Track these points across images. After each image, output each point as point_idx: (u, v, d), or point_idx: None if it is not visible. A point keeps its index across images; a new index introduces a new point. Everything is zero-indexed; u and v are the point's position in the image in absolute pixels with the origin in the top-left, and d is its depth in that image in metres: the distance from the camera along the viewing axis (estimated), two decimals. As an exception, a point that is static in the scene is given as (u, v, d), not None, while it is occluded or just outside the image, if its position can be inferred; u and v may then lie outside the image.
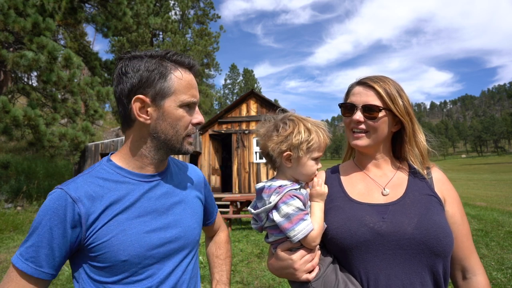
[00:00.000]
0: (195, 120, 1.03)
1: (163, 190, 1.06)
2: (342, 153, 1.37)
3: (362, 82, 1.15)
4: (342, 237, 1.02)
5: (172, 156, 1.17)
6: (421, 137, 1.16)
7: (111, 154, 1.07)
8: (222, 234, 1.41)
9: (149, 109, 0.97)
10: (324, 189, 1.09)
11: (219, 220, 1.42)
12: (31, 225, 0.90)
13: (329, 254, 1.08)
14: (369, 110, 1.10)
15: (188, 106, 1.01)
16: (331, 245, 1.07)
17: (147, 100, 0.96)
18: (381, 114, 1.10)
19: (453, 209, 1.10)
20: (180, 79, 0.98)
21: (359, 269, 1.00)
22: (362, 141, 1.13)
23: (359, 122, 1.12)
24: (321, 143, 1.06)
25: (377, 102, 1.10)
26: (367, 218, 1.03)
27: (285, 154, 1.05)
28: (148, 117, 0.98)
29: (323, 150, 1.08)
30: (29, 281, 0.87)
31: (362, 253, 1.00)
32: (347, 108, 1.15)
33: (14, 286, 0.86)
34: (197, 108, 1.05)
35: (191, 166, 1.29)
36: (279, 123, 1.08)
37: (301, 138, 1.03)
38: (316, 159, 1.08)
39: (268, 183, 1.07)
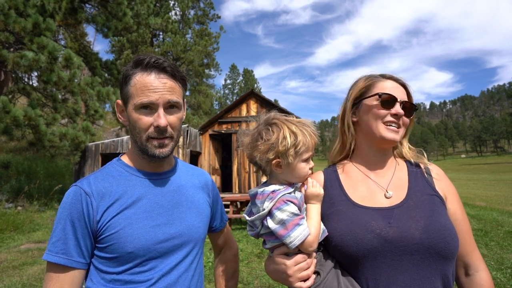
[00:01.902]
0: (155, 123, 1.00)
1: (170, 188, 1.10)
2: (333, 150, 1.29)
3: (394, 78, 1.16)
4: (348, 244, 0.98)
5: (180, 159, 1.23)
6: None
7: (121, 155, 1.15)
8: (229, 252, 1.38)
9: (124, 112, 1.08)
10: (320, 190, 1.06)
11: (228, 234, 1.40)
12: (54, 223, 0.97)
13: (331, 258, 1.04)
14: (407, 108, 1.11)
15: (148, 108, 0.99)
16: (335, 252, 1.03)
17: (121, 104, 1.08)
18: (413, 112, 1.14)
19: (454, 206, 1.08)
20: (136, 82, 1.00)
21: (366, 276, 0.97)
22: (397, 136, 1.11)
23: (400, 117, 1.10)
24: (309, 143, 1.02)
25: (410, 100, 1.14)
26: (373, 223, 0.99)
27: (273, 162, 1.02)
28: (125, 119, 1.09)
29: (312, 149, 1.05)
30: (66, 272, 0.94)
31: (369, 260, 0.96)
32: (387, 100, 1.11)
33: (55, 282, 0.93)
34: (160, 111, 1.00)
35: (200, 170, 1.32)
36: (262, 129, 1.04)
37: (288, 143, 0.98)
38: (306, 160, 1.04)
39: (261, 189, 1.03)
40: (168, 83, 1.02)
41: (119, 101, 1.08)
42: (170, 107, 1.03)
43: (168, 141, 1.04)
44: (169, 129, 1.02)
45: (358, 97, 1.18)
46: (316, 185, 1.07)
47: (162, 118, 0.99)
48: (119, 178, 1.04)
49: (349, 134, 1.21)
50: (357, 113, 1.18)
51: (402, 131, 1.13)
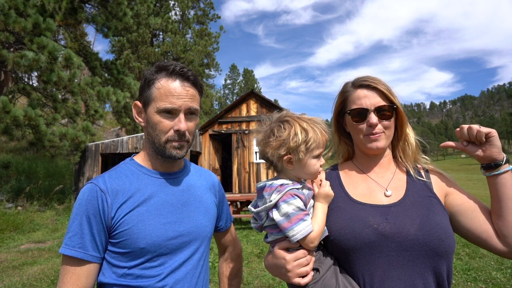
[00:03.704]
0: (175, 127, 1.06)
1: (180, 188, 1.15)
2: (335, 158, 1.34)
3: (364, 85, 1.14)
4: (346, 238, 1.00)
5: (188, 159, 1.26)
6: (411, 132, 1.18)
7: (134, 155, 1.20)
8: (233, 252, 1.44)
9: (142, 114, 1.12)
10: (330, 191, 1.08)
11: (232, 234, 1.45)
12: (70, 218, 1.01)
13: (330, 256, 1.06)
14: (383, 111, 1.10)
15: (170, 113, 1.06)
16: (333, 247, 1.05)
17: (140, 105, 1.12)
18: (392, 112, 1.12)
19: (461, 194, 1.09)
20: (159, 87, 1.06)
21: (362, 271, 0.98)
22: (382, 142, 1.11)
23: (376, 125, 1.10)
24: (319, 140, 1.04)
25: (385, 102, 1.11)
26: (371, 219, 1.01)
27: (285, 158, 1.04)
28: (142, 121, 1.13)
29: (323, 146, 1.07)
30: (82, 265, 0.98)
31: (365, 254, 0.98)
32: (359, 113, 1.12)
33: (71, 274, 0.97)
34: (181, 116, 1.06)
35: (208, 171, 1.37)
36: (274, 126, 1.07)
37: (299, 140, 1.01)
38: (317, 157, 1.06)
39: (270, 182, 1.06)
40: (190, 91, 1.09)
41: (138, 103, 1.13)
42: (190, 113, 1.10)
43: (185, 144, 1.11)
44: (186, 133, 1.09)
45: (339, 113, 1.23)
46: (327, 185, 1.09)
47: (183, 123, 1.06)
48: (132, 177, 1.09)
49: (343, 144, 1.28)
50: (346, 124, 1.22)
51: (386, 134, 1.13)
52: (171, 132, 1.06)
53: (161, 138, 1.07)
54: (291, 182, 1.05)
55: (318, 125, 1.06)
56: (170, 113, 1.06)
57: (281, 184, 1.03)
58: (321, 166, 1.09)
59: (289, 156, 1.04)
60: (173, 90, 1.05)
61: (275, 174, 1.16)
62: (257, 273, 4.80)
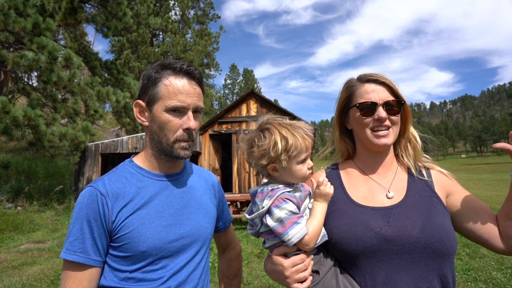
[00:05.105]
0: (184, 126, 1.05)
1: (180, 189, 1.14)
2: (334, 156, 1.31)
3: (371, 80, 1.12)
4: (348, 242, 0.99)
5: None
6: (414, 131, 1.17)
7: (133, 156, 1.16)
8: (233, 252, 1.43)
9: (146, 113, 1.09)
10: (329, 189, 1.06)
11: (232, 234, 1.45)
12: (70, 222, 0.99)
13: (330, 256, 1.05)
14: (390, 106, 1.09)
15: (178, 111, 1.04)
16: (334, 250, 1.04)
17: (143, 104, 1.09)
18: (399, 108, 1.10)
19: (463, 194, 1.08)
20: (167, 85, 1.04)
21: (364, 275, 0.97)
22: (389, 139, 1.09)
23: (385, 119, 1.08)
24: (301, 146, 1.02)
25: (393, 97, 1.10)
26: (372, 222, 1.00)
27: (268, 167, 1.04)
28: (145, 120, 1.10)
29: (307, 150, 1.05)
30: (84, 270, 0.97)
31: (367, 258, 0.97)
32: (367, 107, 1.10)
33: (73, 279, 0.96)
34: (190, 114, 1.06)
35: (208, 171, 1.35)
36: (255, 136, 1.06)
37: (279, 149, 0.99)
38: (303, 161, 1.04)
39: (261, 188, 1.05)
40: (197, 90, 1.09)
41: (141, 102, 1.09)
42: (196, 112, 1.09)
43: (192, 144, 1.11)
44: (193, 132, 1.08)
45: (344, 108, 1.20)
46: (326, 184, 1.07)
47: (193, 121, 1.06)
48: (131, 179, 1.08)
49: (342, 142, 1.25)
50: (349, 121, 1.20)
51: (394, 130, 1.11)
52: (180, 131, 1.05)
53: (169, 138, 1.06)
54: (281, 186, 1.04)
55: (299, 130, 1.04)
56: (179, 111, 1.05)
57: (272, 189, 1.02)
58: (310, 168, 1.07)
59: (273, 164, 1.03)
60: (181, 88, 1.04)
61: None
62: (257, 273, 4.79)
